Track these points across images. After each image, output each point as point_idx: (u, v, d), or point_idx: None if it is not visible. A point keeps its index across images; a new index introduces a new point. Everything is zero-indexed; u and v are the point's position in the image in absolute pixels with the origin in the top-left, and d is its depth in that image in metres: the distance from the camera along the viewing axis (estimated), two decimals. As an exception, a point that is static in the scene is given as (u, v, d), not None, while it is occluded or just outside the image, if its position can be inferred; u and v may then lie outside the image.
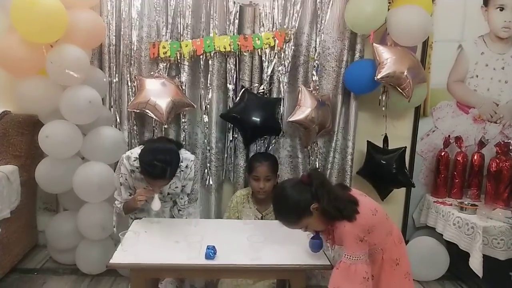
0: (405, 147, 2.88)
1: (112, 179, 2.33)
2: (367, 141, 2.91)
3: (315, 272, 2.51)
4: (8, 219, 2.45)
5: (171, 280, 2.39)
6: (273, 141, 2.88)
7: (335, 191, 1.65)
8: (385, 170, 2.79)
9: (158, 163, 1.84)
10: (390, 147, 2.88)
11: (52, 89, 2.46)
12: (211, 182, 2.86)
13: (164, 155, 1.90)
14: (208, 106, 2.82)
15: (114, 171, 2.30)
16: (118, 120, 2.84)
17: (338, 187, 1.77)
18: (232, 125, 2.85)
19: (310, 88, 2.84)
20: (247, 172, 2.44)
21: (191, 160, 2.17)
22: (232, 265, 1.67)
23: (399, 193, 3.10)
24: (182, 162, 2.08)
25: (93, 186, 2.43)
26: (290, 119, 2.74)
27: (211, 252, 1.68)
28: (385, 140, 2.91)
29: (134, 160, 2.04)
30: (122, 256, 1.68)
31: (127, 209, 2.15)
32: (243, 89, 2.78)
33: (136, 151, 2.07)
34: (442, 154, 3.01)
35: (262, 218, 2.41)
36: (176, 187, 2.15)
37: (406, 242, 2.97)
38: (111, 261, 1.63)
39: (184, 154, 2.16)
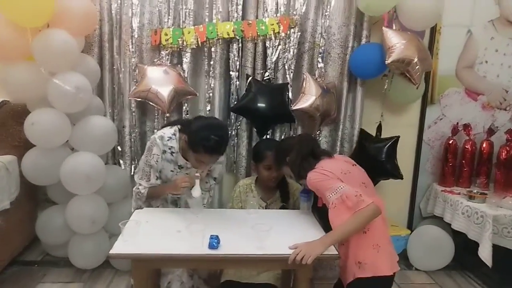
0: (398, 136, 2.80)
1: (101, 170, 2.27)
2: (360, 129, 2.83)
3: (323, 264, 2.46)
4: (8, 210, 2.41)
5: (178, 273, 2.35)
6: (284, 129, 2.82)
7: (301, 155, 1.89)
8: (373, 159, 2.72)
9: (216, 137, 1.86)
10: (395, 135, 2.81)
11: (39, 76, 2.32)
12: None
13: (221, 130, 1.95)
14: (210, 94, 2.76)
15: (105, 162, 2.19)
16: (117, 109, 2.79)
17: (313, 154, 1.92)
18: (235, 114, 2.79)
19: (315, 75, 2.77)
20: (253, 161, 2.38)
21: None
22: (236, 255, 1.62)
23: (405, 183, 3.03)
24: None
25: (81, 178, 2.33)
26: (294, 107, 2.69)
27: (214, 241, 1.62)
28: (379, 128, 2.85)
29: (168, 140, 2.03)
30: (122, 246, 1.62)
31: (154, 194, 2.09)
32: (249, 79, 2.71)
33: (168, 131, 2.06)
34: (450, 142, 2.94)
35: (266, 207, 2.35)
36: (202, 172, 2.09)
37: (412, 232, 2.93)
38: (111, 251, 1.58)
39: None
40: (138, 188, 2.08)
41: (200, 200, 2.06)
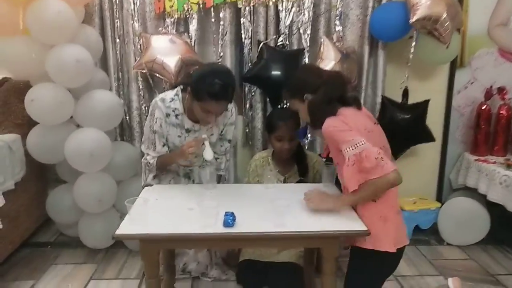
0: (429, 99, 2.59)
1: (106, 147, 2.14)
2: (382, 96, 2.62)
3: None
4: (15, 191, 2.31)
5: (192, 253, 2.23)
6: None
7: (328, 97, 1.59)
8: (401, 126, 2.52)
9: (220, 81, 1.69)
10: (421, 101, 2.59)
11: (36, 49, 2.18)
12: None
13: (225, 74, 1.77)
14: (220, 63, 2.57)
15: (114, 138, 2.04)
16: (121, 81, 2.62)
17: (342, 100, 1.62)
18: (248, 85, 2.60)
19: (333, 40, 2.55)
20: (266, 131, 2.21)
21: (231, 103, 1.95)
22: (254, 233, 1.46)
23: (433, 153, 2.83)
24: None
25: (85, 154, 2.19)
26: (312, 74, 2.49)
27: (229, 219, 1.47)
28: (405, 94, 2.62)
29: (171, 101, 1.88)
30: (129, 226, 1.48)
31: (163, 164, 1.94)
32: (261, 44, 2.51)
33: (170, 93, 1.93)
34: (483, 107, 2.71)
35: (284, 182, 2.19)
36: (212, 135, 1.96)
37: (442, 205, 2.74)
38: (118, 231, 1.44)
39: None
40: (146, 159, 1.95)
41: (213, 172, 1.90)
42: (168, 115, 1.89)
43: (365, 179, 1.46)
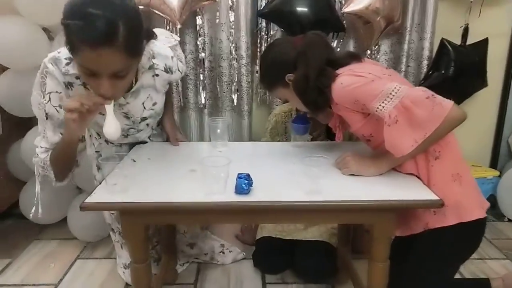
0: (487, 38, 2.11)
1: None
2: (442, 38, 2.12)
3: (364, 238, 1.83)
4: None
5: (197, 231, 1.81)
6: (334, 41, 2.14)
7: (316, 68, 1.18)
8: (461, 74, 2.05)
9: (98, 11, 0.98)
10: (479, 40, 2.10)
11: None
12: (240, 102, 2.21)
13: (109, 4, 1.01)
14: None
15: None
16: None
17: (331, 62, 1.21)
18: (265, 23, 2.12)
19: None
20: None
21: (171, 57, 1.38)
22: (277, 203, 1.04)
23: (489, 112, 2.34)
24: (154, 58, 1.31)
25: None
26: (346, 10, 2.01)
27: (244, 183, 1.05)
28: (465, 33, 2.11)
29: (68, 64, 1.19)
30: (106, 193, 1.07)
31: (60, 156, 1.25)
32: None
33: (64, 50, 1.17)
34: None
35: (312, 141, 1.75)
36: (155, 103, 1.40)
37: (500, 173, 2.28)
38: (88, 199, 1.03)
39: (157, 47, 1.33)
40: (37, 156, 1.27)
41: (225, 128, 1.46)
42: (70, 85, 1.22)
43: (425, 133, 1.04)
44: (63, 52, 1.19)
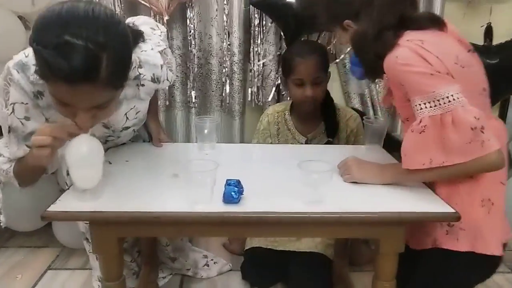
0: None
1: None
2: None
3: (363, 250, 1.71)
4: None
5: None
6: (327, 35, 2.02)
7: (381, 29, 0.99)
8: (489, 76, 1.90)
9: (77, 40, 0.78)
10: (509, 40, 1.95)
11: None
12: (231, 101, 2.07)
13: (92, 26, 0.81)
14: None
15: None
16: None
17: (404, 20, 1.00)
18: (259, 17, 1.99)
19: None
20: (283, 74, 1.63)
21: (160, 66, 1.19)
22: (271, 214, 0.90)
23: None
24: (141, 68, 1.14)
25: None
26: None
27: (233, 190, 0.92)
28: (488, 32, 1.99)
29: (36, 71, 0.93)
30: (74, 200, 0.93)
31: (25, 171, 1.09)
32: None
33: (32, 52, 0.90)
34: None
35: (307, 144, 1.63)
36: (138, 112, 1.23)
37: None
38: (52, 207, 0.89)
39: (144, 54, 1.15)
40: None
41: (213, 128, 1.32)
42: (40, 94, 1.02)
43: (444, 161, 0.92)
44: (32, 56, 0.95)
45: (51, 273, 1.67)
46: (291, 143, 1.62)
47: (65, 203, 0.92)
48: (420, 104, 0.93)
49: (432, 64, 0.92)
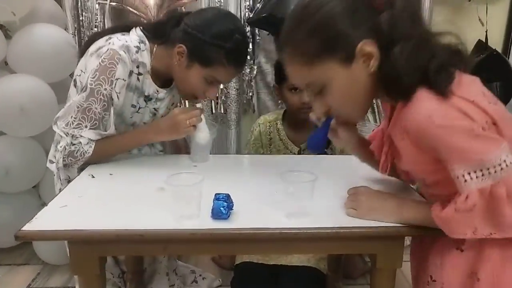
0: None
1: (47, 101, 1.54)
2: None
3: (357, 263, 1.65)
4: None
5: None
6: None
7: (427, 36, 0.77)
8: None
9: (240, 35, 1.19)
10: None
11: None
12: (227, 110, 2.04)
13: (242, 26, 1.35)
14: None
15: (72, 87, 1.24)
16: (82, 21, 1.95)
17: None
18: (253, 29, 1.96)
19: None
20: (276, 82, 1.59)
21: None
22: (263, 230, 0.85)
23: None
24: None
25: (13, 108, 1.54)
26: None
27: (222, 205, 0.87)
28: (480, 45, 1.97)
29: (137, 52, 1.20)
30: (53, 217, 0.87)
31: (106, 153, 1.20)
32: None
33: (131, 38, 1.22)
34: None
35: (300, 154, 1.59)
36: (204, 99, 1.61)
37: None
38: (27, 226, 0.83)
39: None
40: (76, 144, 1.15)
41: (209, 142, 1.27)
42: (130, 73, 1.21)
43: (493, 232, 0.75)
44: (133, 41, 1.21)
45: (31, 293, 1.60)
46: (284, 153, 1.58)
47: (41, 221, 0.85)
48: (464, 176, 0.73)
49: (474, 119, 0.73)
